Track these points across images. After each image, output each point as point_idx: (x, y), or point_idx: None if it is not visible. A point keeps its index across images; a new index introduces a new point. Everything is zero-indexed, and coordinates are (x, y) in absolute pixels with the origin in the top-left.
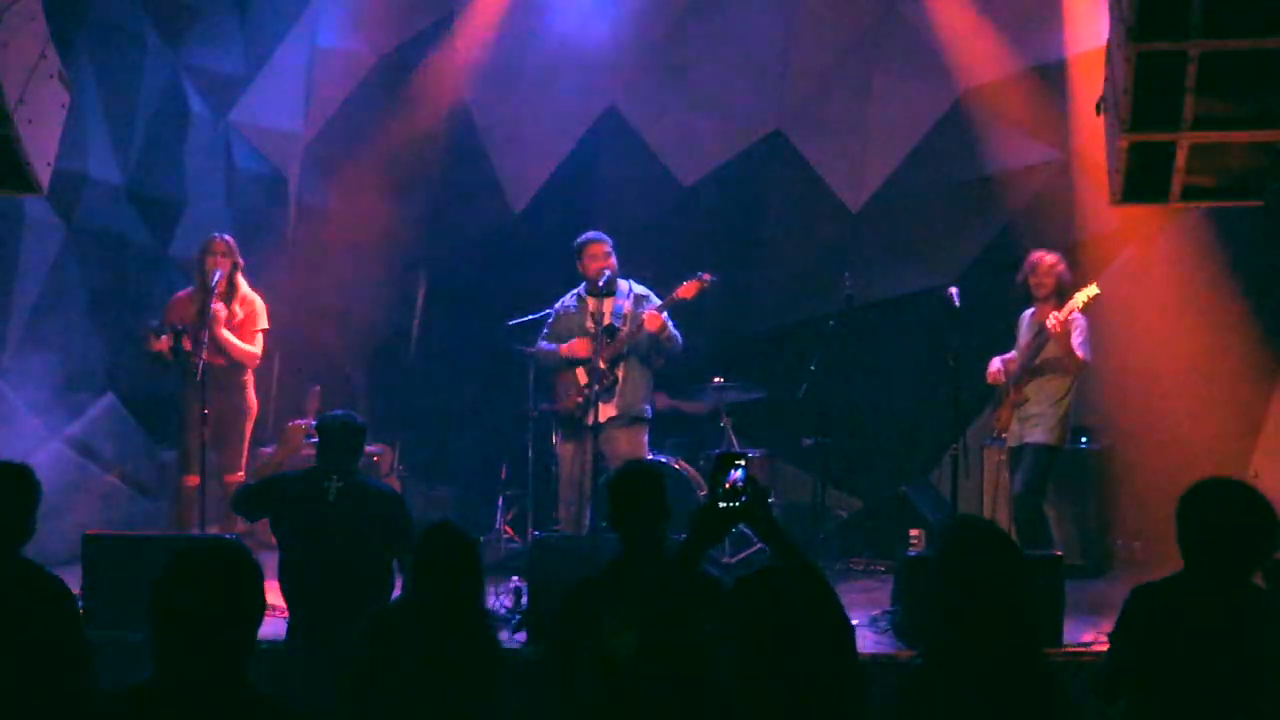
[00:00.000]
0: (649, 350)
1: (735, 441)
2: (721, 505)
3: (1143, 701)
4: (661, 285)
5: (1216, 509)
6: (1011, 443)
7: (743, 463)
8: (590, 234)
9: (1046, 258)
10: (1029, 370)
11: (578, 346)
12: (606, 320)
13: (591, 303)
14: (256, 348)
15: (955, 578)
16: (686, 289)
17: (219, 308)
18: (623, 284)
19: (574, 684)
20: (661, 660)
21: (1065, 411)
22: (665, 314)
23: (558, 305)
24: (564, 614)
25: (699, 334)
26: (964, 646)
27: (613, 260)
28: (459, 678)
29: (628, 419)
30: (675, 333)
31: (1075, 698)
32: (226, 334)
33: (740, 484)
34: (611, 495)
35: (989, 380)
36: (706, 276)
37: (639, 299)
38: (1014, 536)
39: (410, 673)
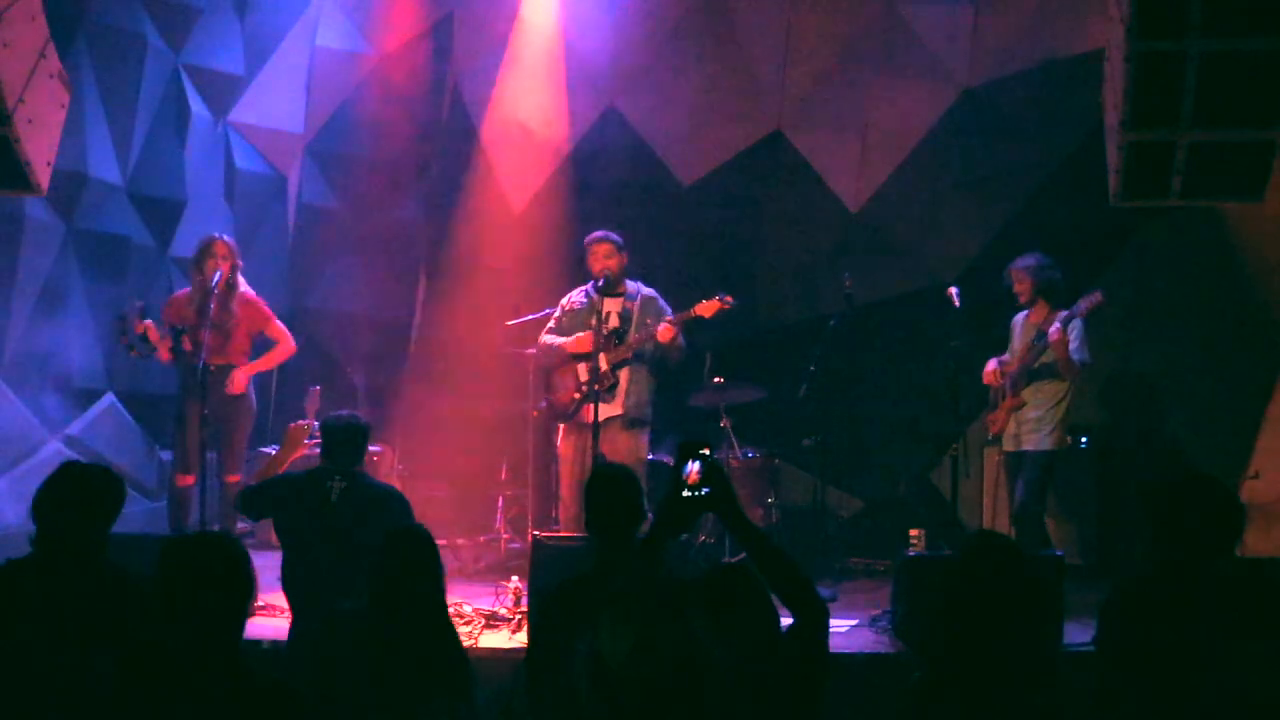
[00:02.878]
0: (654, 358)
1: (735, 441)
2: (685, 495)
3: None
4: (661, 286)
5: (1183, 505)
6: (1009, 447)
7: (706, 451)
8: (597, 233)
9: (1019, 262)
10: (1027, 374)
11: (582, 341)
12: (614, 321)
13: (600, 301)
14: (283, 340)
15: (971, 594)
16: (706, 307)
17: (239, 375)
18: (630, 285)
19: (557, 684)
20: (655, 661)
21: (1064, 415)
22: (678, 327)
23: (565, 300)
24: (542, 616)
25: (699, 333)
26: (971, 656)
27: (615, 261)
28: (427, 681)
29: (629, 420)
30: (683, 342)
31: (1075, 698)
32: (250, 367)
33: (704, 473)
34: (586, 499)
35: (985, 381)
36: (729, 299)
37: (646, 301)
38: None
39: (376, 677)
